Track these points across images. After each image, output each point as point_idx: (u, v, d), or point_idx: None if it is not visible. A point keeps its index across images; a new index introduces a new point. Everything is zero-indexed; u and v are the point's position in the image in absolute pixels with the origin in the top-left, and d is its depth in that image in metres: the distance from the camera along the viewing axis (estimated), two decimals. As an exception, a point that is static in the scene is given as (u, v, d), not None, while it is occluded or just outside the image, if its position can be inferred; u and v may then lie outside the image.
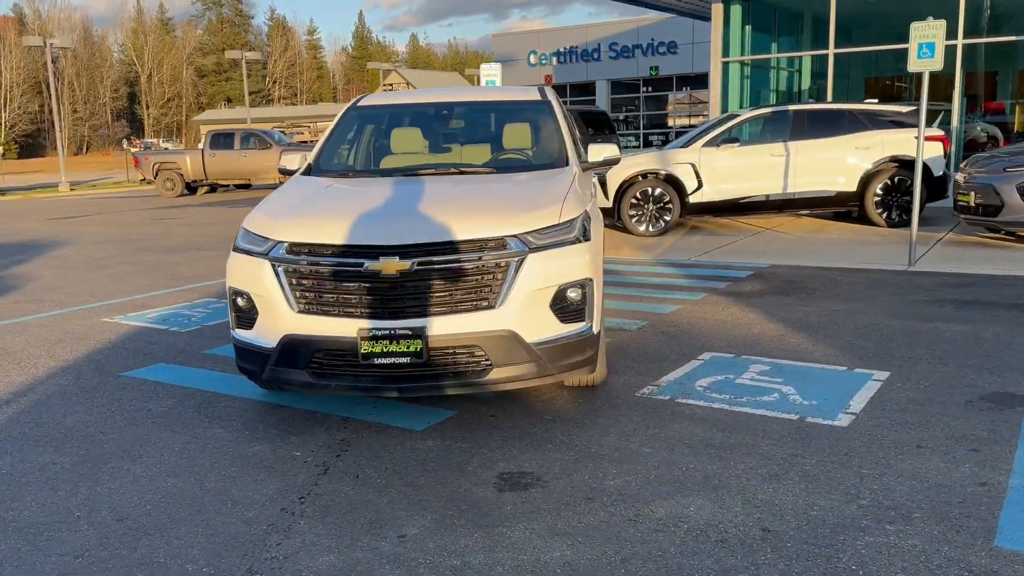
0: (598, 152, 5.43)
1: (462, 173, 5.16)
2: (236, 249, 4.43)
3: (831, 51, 16.04)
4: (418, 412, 4.54)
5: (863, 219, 11.65)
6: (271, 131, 25.62)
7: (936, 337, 5.79)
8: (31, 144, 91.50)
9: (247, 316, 4.34)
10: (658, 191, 11.40)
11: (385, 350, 4.00)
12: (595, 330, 4.40)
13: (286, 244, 4.19)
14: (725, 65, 16.82)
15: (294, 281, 4.15)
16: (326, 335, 4.08)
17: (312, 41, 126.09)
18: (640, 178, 11.42)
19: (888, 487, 3.48)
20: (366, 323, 4.02)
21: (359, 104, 6.04)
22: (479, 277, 4.06)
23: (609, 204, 11.54)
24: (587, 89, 31.89)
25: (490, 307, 4.06)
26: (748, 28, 17.18)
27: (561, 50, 31.15)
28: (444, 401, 4.66)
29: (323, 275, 4.10)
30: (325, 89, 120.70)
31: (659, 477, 3.64)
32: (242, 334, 4.39)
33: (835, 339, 5.81)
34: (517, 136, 5.73)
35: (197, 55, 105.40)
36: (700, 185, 11.41)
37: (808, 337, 5.90)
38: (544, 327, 4.18)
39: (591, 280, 4.32)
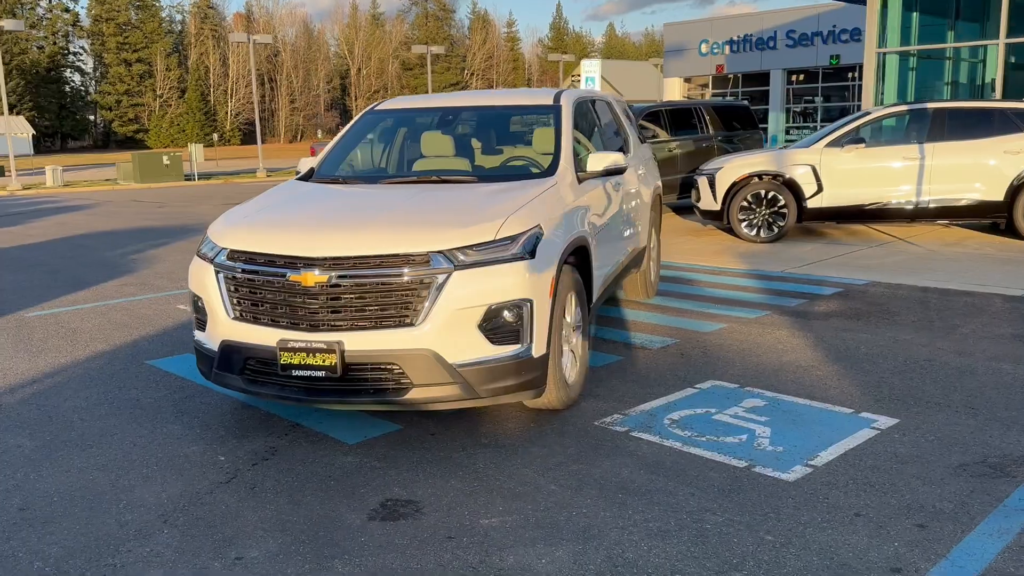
0: (599, 161, 5.14)
1: (444, 182, 5.04)
2: (197, 253, 4.57)
3: (1001, 41, 14.29)
4: (361, 424, 4.50)
5: (1013, 232, 10.33)
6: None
7: (989, 381, 5.02)
8: (252, 132, 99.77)
9: (200, 319, 4.47)
10: (771, 194, 10.68)
11: (302, 362, 3.98)
12: (536, 353, 4.17)
13: (227, 251, 4.27)
14: (881, 56, 15.41)
15: (232, 288, 4.22)
16: (254, 343, 4.12)
17: (511, 34, 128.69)
18: (755, 179, 10.74)
19: (781, 561, 3.05)
20: (286, 334, 4.03)
21: (376, 108, 6.06)
22: (400, 293, 3.95)
23: (717, 207, 10.96)
24: (761, 79, 30.38)
25: (410, 325, 3.94)
26: (914, 14, 15.65)
27: (734, 39, 29.85)
28: (398, 415, 4.58)
29: (253, 283, 4.14)
30: (520, 81, 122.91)
31: (539, 520, 3.40)
32: (197, 336, 4.53)
33: (868, 375, 5.19)
34: (516, 143, 5.55)
35: (402, 49, 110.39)
36: (820, 189, 10.57)
37: (839, 370, 5.30)
38: (470, 348, 4.00)
39: (529, 300, 4.08)
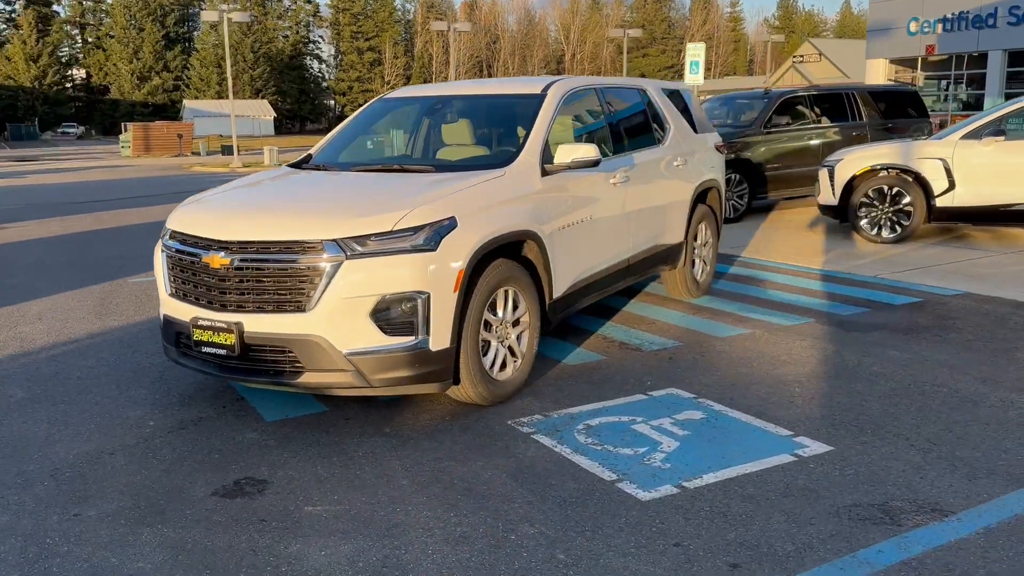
0: (566, 153, 4.98)
1: (402, 171, 5.09)
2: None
3: None
4: (289, 403, 4.67)
5: None
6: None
7: (987, 415, 4.39)
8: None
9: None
10: (895, 190, 9.73)
11: (209, 340, 4.23)
12: (435, 346, 4.15)
13: (169, 231, 4.59)
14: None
15: (169, 266, 4.54)
16: (180, 319, 4.42)
17: (734, 14, 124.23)
18: (878, 173, 9.84)
19: (548, 582, 2.89)
20: (198, 312, 4.29)
21: (385, 96, 6.19)
22: (294, 279, 4.08)
23: (835, 201, 10.15)
24: (977, 62, 27.35)
25: (303, 311, 4.07)
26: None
27: (948, 16, 26.99)
28: (331, 397, 4.72)
29: (181, 263, 4.44)
30: (739, 62, 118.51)
31: (359, 513, 3.43)
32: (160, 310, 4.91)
33: (851, 396, 4.69)
34: (500, 132, 5.49)
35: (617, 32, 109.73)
36: (951, 186, 9.50)
37: (822, 388, 4.83)
38: (361, 337, 4.06)
39: (424, 293, 4.07)
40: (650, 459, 3.88)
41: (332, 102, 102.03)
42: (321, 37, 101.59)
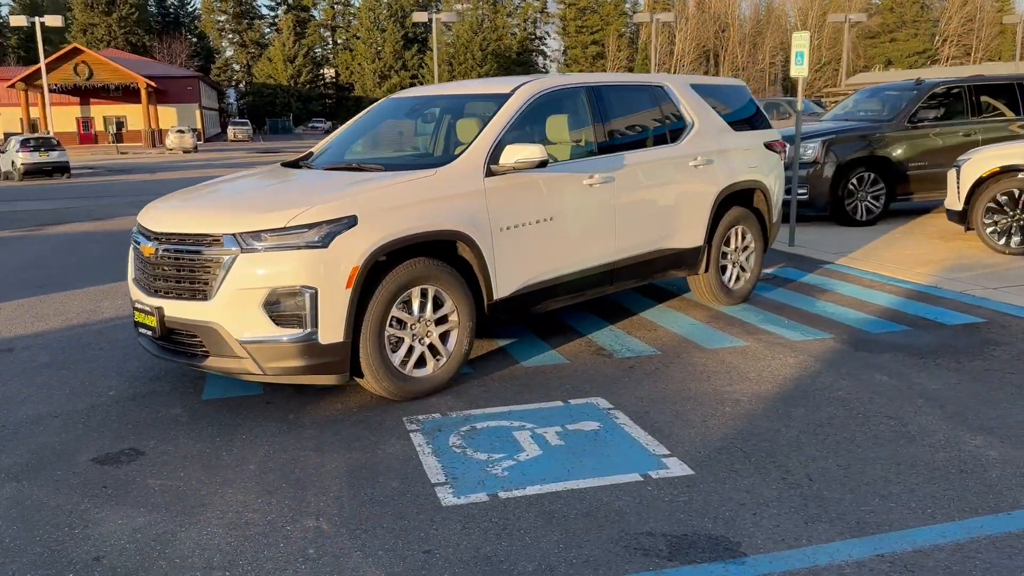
0: (512, 154, 4.96)
1: (358, 169, 5.29)
2: None
3: None
4: (237, 384, 5.02)
5: None
6: (805, 101, 24.71)
7: (903, 455, 3.90)
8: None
9: (143, 279, 5.38)
10: (1029, 195, 8.60)
11: (143, 321, 4.68)
12: (325, 339, 4.34)
13: (137, 222, 5.11)
14: None
15: (132, 254, 5.06)
16: (133, 302, 4.92)
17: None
18: (1009, 175, 8.75)
19: (257, 564, 3.02)
20: (139, 296, 4.75)
21: (391, 96, 6.39)
22: (200, 270, 4.42)
23: (959, 206, 9.12)
24: None
25: (206, 299, 4.40)
26: None
27: None
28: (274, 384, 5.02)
29: (134, 251, 4.93)
30: (1006, 47, 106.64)
31: (182, 492, 3.68)
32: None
33: (768, 421, 4.33)
34: (463, 131, 5.56)
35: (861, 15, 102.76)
36: (1097, 191, 8.25)
37: (747, 411, 4.49)
38: (255, 327, 4.33)
39: (313, 288, 4.27)
40: (496, 466, 3.83)
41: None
42: (547, 33, 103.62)
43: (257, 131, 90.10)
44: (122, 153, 48.28)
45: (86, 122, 61.85)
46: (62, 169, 29.06)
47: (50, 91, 55.61)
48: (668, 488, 3.58)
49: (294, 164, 5.88)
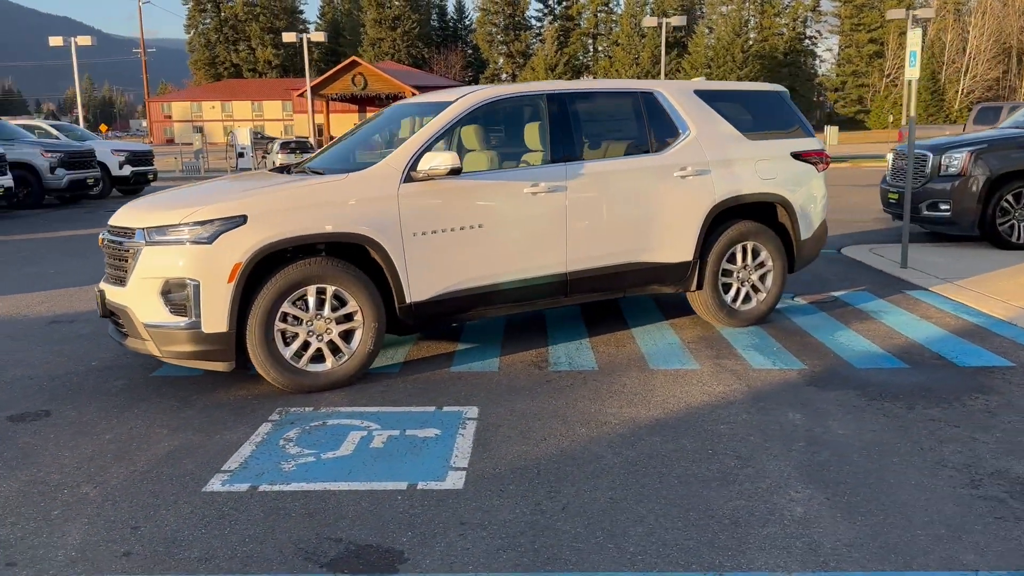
0: (427, 161, 5.08)
1: (321, 173, 5.59)
2: None
3: None
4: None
5: None
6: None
7: (703, 502, 3.55)
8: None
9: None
10: None
11: (98, 302, 5.36)
12: (208, 329, 4.74)
13: None
14: None
15: (113, 246, 5.77)
16: (106, 288, 5.63)
17: None
18: None
19: None
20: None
21: (396, 104, 6.64)
22: (122, 259, 5.00)
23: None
24: None
25: (123, 285, 4.98)
26: None
27: None
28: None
29: (108, 243, 5.63)
30: None
31: (26, 453, 4.23)
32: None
33: (616, 446, 4.09)
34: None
35: None
36: None
37: (604, 433, 4.26)
38: (155, 313, 4.83)
39: (196, 280, 4.69)
40: (293, 461, 3.98)
41: (822, 98, 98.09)
42: (818, 32, 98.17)
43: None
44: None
45: (361, 127, 67.91)
46: (311, 169, 32.27)
47: (331, 100, 61.90)
48: (418, 500, 3.55)
49: (280, 169, 6.33)
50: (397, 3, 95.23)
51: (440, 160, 5.04)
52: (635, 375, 5.22)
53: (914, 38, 8.26)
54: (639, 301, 7.23)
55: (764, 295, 6.38)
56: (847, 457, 3.91)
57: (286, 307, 4.87)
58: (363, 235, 4.95)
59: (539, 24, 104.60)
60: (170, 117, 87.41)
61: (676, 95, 6.11)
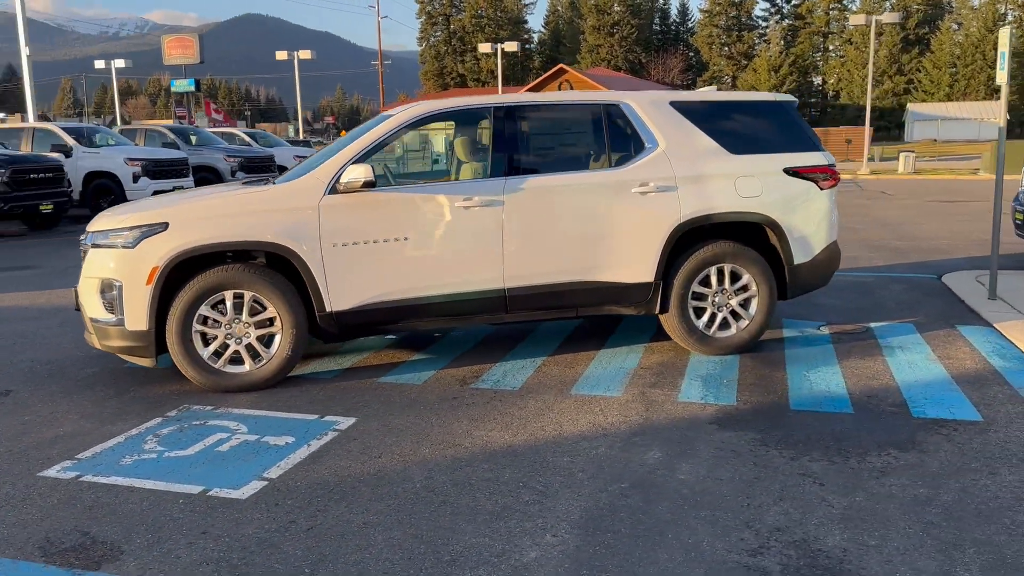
0: (347, 174, 5.22)
1: (265, 182, 5.91)
2: None
3: None
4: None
5: None
6: None
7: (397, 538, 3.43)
8: None
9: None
10: None
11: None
12: (131, 326, 5.15)
13: None
14: None
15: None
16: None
17: None
18: None
19: None
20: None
21: (384, 113, 6.78)
22: (81, 259, 5.54)
23: None
24: None
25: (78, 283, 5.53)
26: None
27: None
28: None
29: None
30: None
31: (-38, 424, 4.82)
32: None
33: (421, 468, 4.02)
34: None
35: None
36: None
37: (432, 456, 4.19)
38: (96, 308, 5.32)
39: (120, 281, 5.12)
40: (140, 457, 4.24)
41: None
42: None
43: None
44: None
45: (569, 132, 68.78)
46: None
47: (539, 105, 63.15)
48: (193, 505, 3.67)
49: (253, 181, 6.64)
50: (617, 9, 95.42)
51: (356, 174, 5.14)
52: (545, 399, 5.03)
53: (1004, 38, 7.24)
54: (651, 320, 6.87)
55: (747, 322, 5.88)
56: (653, 505, 3.58)
57: (205, 310, 5.17)
58: (277, 244, 5.14)
59: (765, 24, 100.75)
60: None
61: (647, 107, 5.79)
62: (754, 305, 5.88)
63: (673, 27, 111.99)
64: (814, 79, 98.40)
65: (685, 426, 4.52)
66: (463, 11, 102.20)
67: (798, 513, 3.49)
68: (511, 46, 37.81)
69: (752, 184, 5.77)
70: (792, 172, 5.87)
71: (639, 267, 5.66)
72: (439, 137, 6.97)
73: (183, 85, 48.56)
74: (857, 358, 5.78)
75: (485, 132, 5.64)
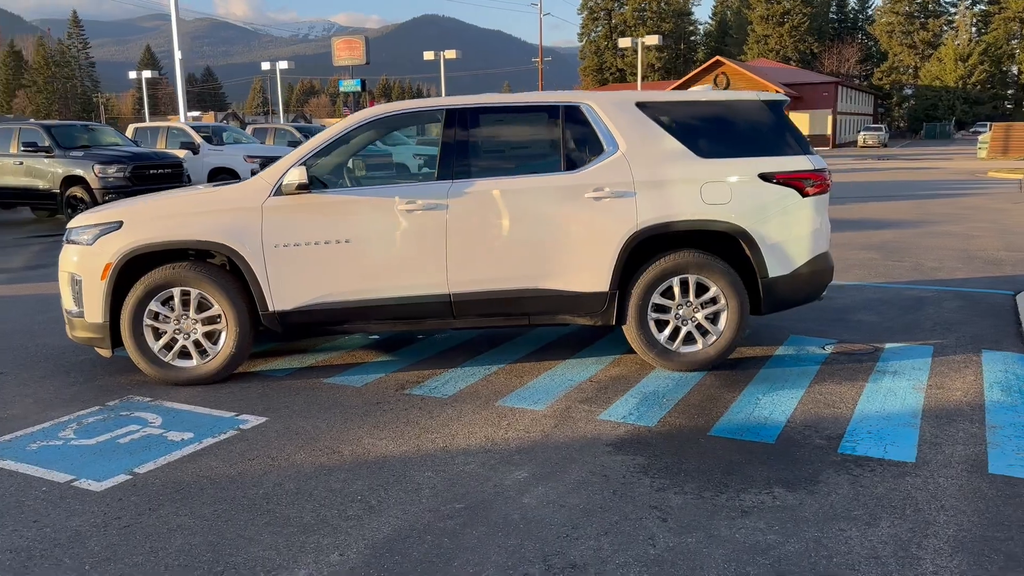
0: (287, 176, 5.33)
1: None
2: None
3: None
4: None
5: None
6: None
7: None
8: None
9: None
10: None
11: (76, 290, 6.39)
12: (89, 318, 5.47)
13: None
14: None
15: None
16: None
17: None
18: None
19: None
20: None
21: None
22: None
23: None
24: None
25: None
26: None
27: None
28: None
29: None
30: None
31: (-66, 402, 5.29)
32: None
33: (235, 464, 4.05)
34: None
35: None
36: None
37: (281, 480, 4.20)
38: (68, 300, 5.69)
39: (79, 276, 5.46)
40: (47, 443, 4.49)
41: None
42: None
43: (911, 135, 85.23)
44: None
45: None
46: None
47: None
48: (49, 493, 3.85)
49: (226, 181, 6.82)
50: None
51: (292, 177, 5.21)
52: (464, 409, 4.92)
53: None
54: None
55: (715, 338, 5.50)
56: (469, 528, 3.41)
57: (155, 306, 5.40)
58: (220, 243, 5.29)
59: (953, 10, 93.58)
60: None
61: (609, 108, 5.52)
62: (722, 320, 5.48)
63: (851, 15, 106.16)
64: (1009, 68, 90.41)
65: (579, 446, 4.28)
66: (625, 5, 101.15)
67: (610, 550, 3.23)
68: (652, 40, 36.87)
69: (720, 190, 5.37)
70: (769, 178, 5.42)
71: (593, 276, 5.41)
72: (407, 140, 6.93)
73: (350, 85, 50.85)
74: (833, 382, 5.27)
75: (437, 135, 5.55)
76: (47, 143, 15.34)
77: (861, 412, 4.71)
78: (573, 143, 5.49)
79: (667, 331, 5.51)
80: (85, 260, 5.38)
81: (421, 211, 5.33)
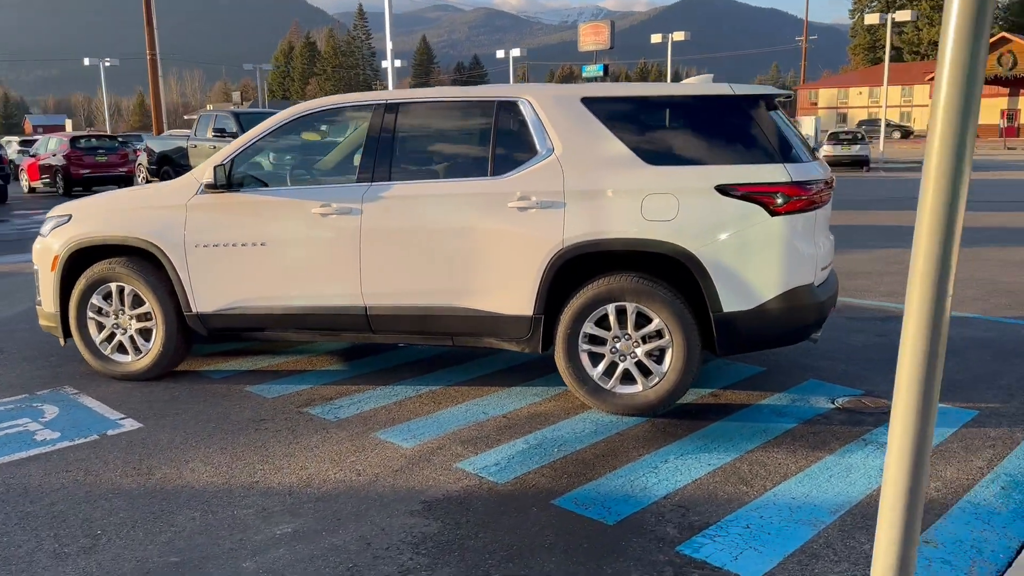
0: (206, 175, 5.18)
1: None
2: None
3: None
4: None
5: None
6: None
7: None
8: None
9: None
10: None
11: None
12: (46, 309, 5.64)
13: None
14: None
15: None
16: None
17: None
18: None
19: None
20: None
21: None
22: (40, 248, 6.18)
23: None
24: None
25: (37, 270, 6.18)
26: None
27: None
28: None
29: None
30: None
31: (-86, 376, 5.74)
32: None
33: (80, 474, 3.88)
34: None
35: None
36: None
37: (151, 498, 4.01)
38: (37, 291, 5.93)
39: (36, 266, 5.66)
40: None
41: None
42: None
43: None
44: (1009, 148, 45.23)
45: (1011, 114, 59.04)
46: (861, 163, 30.10)
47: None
48: None
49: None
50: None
51: (208, 175, 5.03)
52: (333, 438, 4.48)
53: None
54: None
55: (658, 380, 4.61)
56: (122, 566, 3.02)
57: (97, 300, 5.45)
58: (145, 241, 5.22)
59: None
60: (815, 104, 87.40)
61: (548, 105, 4.76)
62: (667, 359, 4.57)
63: None
64: None
65: (387, 500, 3.71)
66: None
67: (245, 649, 2.68)
68: (904, 15, 32.90)
69: (665, 204, 4.46)
70: (728, 191, 4.41)
71: (515, 297, 4.72)
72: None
73: (593, 70, 50.78)
74: (786, 450, 4.21)
75: (364, 132, 5.10)
76: (235, 129, 16.55)
77: (769, 497, 3.68)
78: (504, 144, 4.80)
79: (601, 366, 4.68)
80: (41, 251, 5.54)
81: (335, 215, 4.92)
